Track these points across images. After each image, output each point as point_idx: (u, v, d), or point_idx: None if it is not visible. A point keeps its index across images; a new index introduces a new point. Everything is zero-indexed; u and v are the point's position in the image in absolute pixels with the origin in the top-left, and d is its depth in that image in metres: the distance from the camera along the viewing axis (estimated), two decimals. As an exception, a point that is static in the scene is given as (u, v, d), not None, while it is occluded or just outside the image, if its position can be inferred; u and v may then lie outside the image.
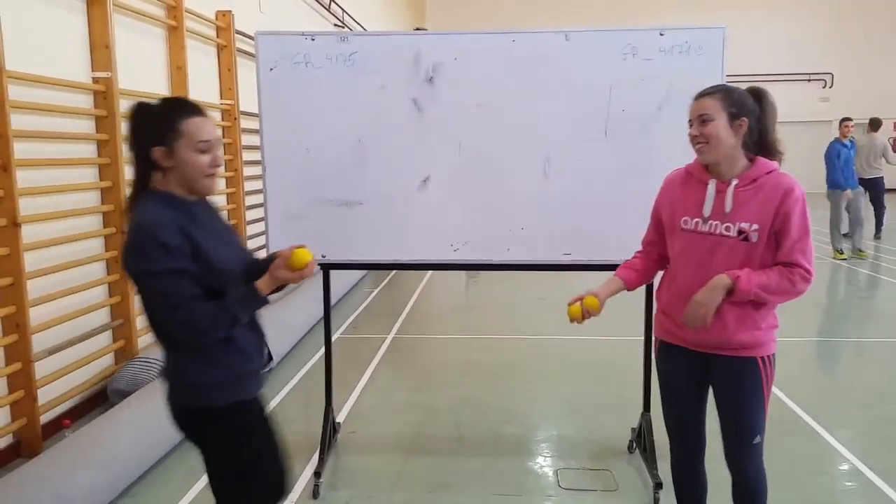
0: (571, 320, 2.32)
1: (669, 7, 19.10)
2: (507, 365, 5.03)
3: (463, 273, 8.37)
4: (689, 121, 2.17)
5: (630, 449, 3.54)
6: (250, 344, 1.97)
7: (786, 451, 3.47)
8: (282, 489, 2.10)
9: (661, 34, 3.07)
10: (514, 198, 3.21)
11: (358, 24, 11.51)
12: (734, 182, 2.11)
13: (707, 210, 2.14)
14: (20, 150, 3.47)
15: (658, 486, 3.01)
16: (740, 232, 2.09)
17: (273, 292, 1.93)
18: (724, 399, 2.25)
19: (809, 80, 20.12)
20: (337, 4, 10.08)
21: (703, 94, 2.15)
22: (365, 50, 3.14)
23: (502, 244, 3.24)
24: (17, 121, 3.47)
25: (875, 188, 10.20)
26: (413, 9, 19.06)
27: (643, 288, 3.35)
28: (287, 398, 4.41)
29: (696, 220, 2.17)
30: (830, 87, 20.23)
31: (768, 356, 2.17)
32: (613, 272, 2.46)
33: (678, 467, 2.44)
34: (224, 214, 2.09)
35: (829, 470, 3.37)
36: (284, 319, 5.31)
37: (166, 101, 1.88)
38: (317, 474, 3.20)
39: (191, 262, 1.76)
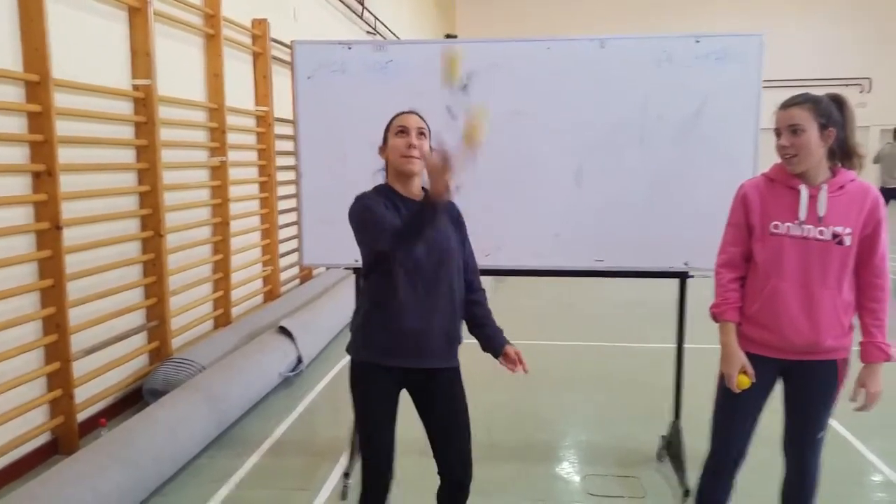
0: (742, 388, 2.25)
1: (705, 12, 18.91)
2: (537, 371, 4.98)
3: (490, 278, 8.37)
4: (776, 129, 2.18)
5: (659, 457, 3.51)
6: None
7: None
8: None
9: (697, 41, 3.06)
10: (548, 204, 3.21)
11: (390, 30, 11.60)
12: (824, 187, 2.14)
13: (802, 214, 2.15)
14: (63, 155, 3.57)
15: (686, 493, 2.98)
16: (834, 235, 2.13)
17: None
18: (798, 399, 2.29)
19: (847, 85, 19.74)
20: (369, 12, 10.18)
21: (791, 104, 2.16)
22: (400, 58, 3.17)
23: (535, 250, 3.24)
24: (61, 127, 3.57)
25: None
26: (444, 16, 19.15)
27: (672, 293, 3.34)
28: (317, 400, 4.46)
29: (788, 224, 2.17)
30: (868, 92, 19.84)
31: (845, 357, 2.23)
32: (720, 317, 2.31)
33: (714, 477, 2.40)
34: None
35: (862, 481, 3.31)
36: (314, 322, 5.37)
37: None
38: (346, 475, 3.23)
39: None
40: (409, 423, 2.42)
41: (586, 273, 3.32)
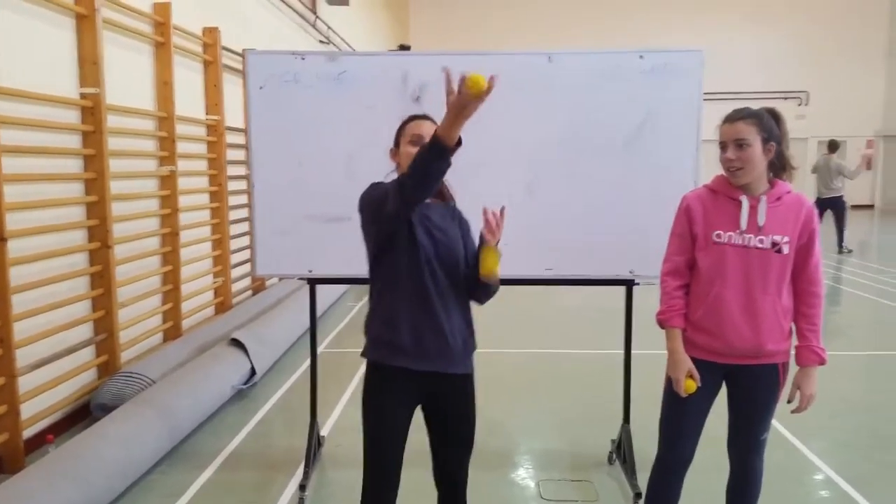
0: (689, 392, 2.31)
1: (651, 27, 19.42)
2: (489, 378, 5.06)
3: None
4: (722, 143, 2.27)
5: (610, 460, 3.60)
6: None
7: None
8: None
9: (641, 56, 3.17)
10: (499, 214, 3.26)
11: (343, 40, 11.60)
12: (764, 198, 2.25)
13: (743, 223, 2.25)
14: (7, 165, 3.48)
15: (637, 496, 3.06)
16: (773, 244, 2.23)
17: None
18: (741, 401, 2.39)
19: (786, 99, 20.51)
20: (322, 21, 10.17)
21: (737, 118, 2.25)
22: (354, 69, 3.20)
23: (486, 260, 3.29)
24: (5, 136, 3.49)
25: (835, 207, 10.56)
26: (397, 27, 19.22)
27: (621, 301, 3.44)
28: (271, 412, 4.42)
29: (730, 233, 2.27)
30: (806, 105, 20.64)
31: (785, 362, 2.34)
32: (663, 323, 2.40)
33: (663, 479, 2.49)
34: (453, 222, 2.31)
35: (805, 480, 3.45)
36: (267, 334, 5.33)
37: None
38: (301, 488, 3.22)
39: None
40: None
41: (537, 281, 3.40)
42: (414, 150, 2.08)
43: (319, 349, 5.66)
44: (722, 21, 19.96)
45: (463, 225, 2.36)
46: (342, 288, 7.68)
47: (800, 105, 20.66)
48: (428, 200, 2.15)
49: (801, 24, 20.26)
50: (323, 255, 3.29)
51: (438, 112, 3.18)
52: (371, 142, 3.24)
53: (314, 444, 3.47)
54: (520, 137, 3.23)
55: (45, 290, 3.83)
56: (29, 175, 3.74)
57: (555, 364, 5.44)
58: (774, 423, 4.08)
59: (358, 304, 7.55)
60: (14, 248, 3.54)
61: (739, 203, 2.27)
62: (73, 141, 4.16)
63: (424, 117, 2.24)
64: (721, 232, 2.28)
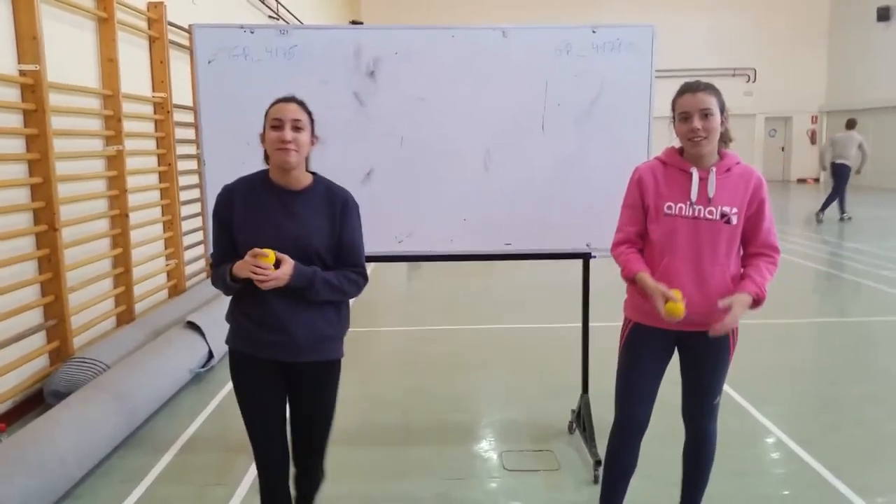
0: (676, 315, 2.24)
1: (604, 4, 19.50)
2: (451, 355, 5.11)
3: (405, 265, 8.43)
4: (684, 113, 2.27)
5: (570, 430, 3.67)
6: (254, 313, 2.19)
7: (718, 428, 3.67)
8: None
9: (594, 31, 3.19)
10: (457, 190, 3.28)
11: (293, 15, 11.37)
12: (714, 170, 2.29)
13: (694, 195, 2.29)
14: (-56, 145, 3.34)
15: (598, 463, 3.14)
16: (723, 215, 2.28)
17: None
18: (695, 367, 2.45)
19: (734, 75, 20.91)
20: (271, -4, 9.95)
21: (697, 89, 2.27)
22: (305, 43, 3.15)
23: (445, 235, 3.31)
24: (-60, 115, 3.34)
25: (841, 172, 11.64)
26: (348, 2, 18.91)
27: (579, 276, 3.49)
28: (230, 395, 4.36)
29: (681, 204, 2.31)
30: (753, 82, 21.08)
31: (735, 328, 2.37)
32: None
33: (621, 442, 2.53)
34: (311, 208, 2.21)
35: (757, 442, 3.59)
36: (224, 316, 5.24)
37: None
38: (264, 468, 3.20)
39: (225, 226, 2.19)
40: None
41: (495, 256, 3.42)
42: (275, 134, 2.10)
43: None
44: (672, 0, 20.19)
45: (343, 214, 2.22)
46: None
47: (748, 82, 21.09)
48: (294, 189, 2.19)
49: (750, 3, 20.61)
50: (280, 234, 3.25)
51: (395, 85, 3.17)
52: (325, 118, 3.20)
53: (275, 424, 3.45)
54: (475, 113, 3.23)
55: (-11, 276, 3.70)
56: (-33, 156, 3.59)
57: (515, 339, 5.51)
58: (729, 390, 4.25)
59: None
60: (-46, 232, 3.41)
61: (690, 175, 2.31)
62: (15, 120, 4.00)
63: (288, 100, 2.17)
64: (672, 203, 2.33)
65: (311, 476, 2.44)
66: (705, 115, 2.25)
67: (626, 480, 2.57)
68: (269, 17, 10.07)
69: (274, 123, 2.12)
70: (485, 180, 3.27)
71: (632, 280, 2.39)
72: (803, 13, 20.71)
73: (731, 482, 3.12)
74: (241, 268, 2.07)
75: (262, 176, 2.22)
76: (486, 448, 3.56)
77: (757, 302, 2.27)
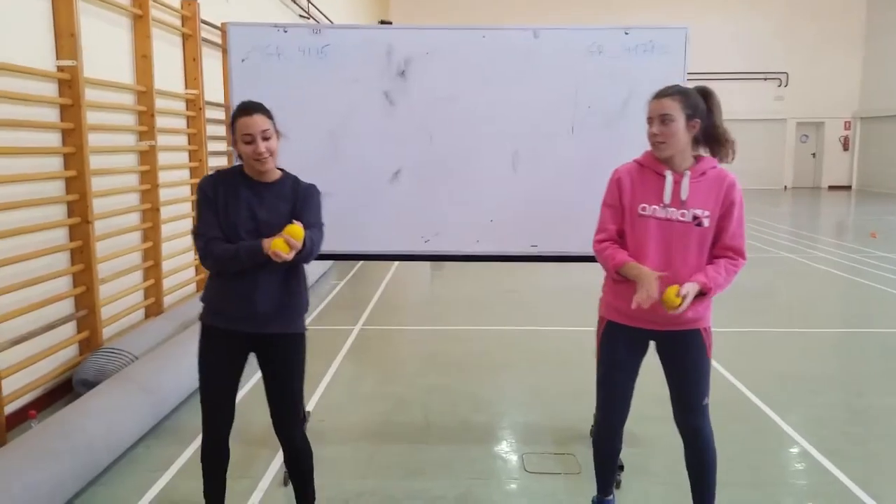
0: (675, 307, 2.24)
1: (632, 6, 19.38)
2: (473, 355, 5.12)
3: (428, 265, 8.45)
4: (649, 118, 2.34)
5: (592, 434, 3.65)
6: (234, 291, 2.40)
7: (740, 436, 3.63)
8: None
9: (626, 33, 3.18)
10: (484, 190, 3.29)
11: (323, 14, 11.45)
12: (688, 173, 2.32)
13: (667, 197, 2.32)
14: (-17, 137, 3.43)
15: (620, 468, 3.12)
16: (694, 217, 2.32)
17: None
18: (675, 369, 2.48)
19: (766, 79, 20.65)
20: (302, -5, 10.03)
21: (662, 95, 2.33)
22: (337, 43, 3.18)
23: (472, 236, 3.32)
24: (-19, 108, 3.42)
25: None
26: (377, 1, 18.99)
27: (601, 281, 3.47)
28: (256, 387, 4.42)
29: (654, 206, 2.35)
30: (785, 87, 20.79)
31: (707, 327, 2.42)
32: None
33: (606, 435, 2.66)
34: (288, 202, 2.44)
35: (780, 452, 3.53)
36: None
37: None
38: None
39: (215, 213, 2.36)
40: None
41: (522, 258, 3.42)
42: (248, 149, 2.30)
43: (302, 326, 5.68)
44: (704, 2, 19.98)
45: (304, 202, 2.44)
46: (326, 264, 7.66)
47: (780, 86, 20.80)
48: (266, 181, 2.41)
49: (782, 6, 20.34)
50: (307, 231, 3.28)
51: (425, 85, 3.18)
52: (355, 116, 3.23)
53: (299, 418, 3.48)
54: (505, 113, 3.23)
55: (23, 266, 3.78)
56: (5, 149, 3.67)
57: (538, 341, 5.50)
58: (751, 397, 4.20)
59: (341, 283, 7.54)
60: (-8, 222, 3.49)
61: (664, 178, 2.34)
62: (52, 115, 4.09)
63: (249, 112, 2.31)
64: (646, 205, 2.36)
65: (295, 449, 2.63)
66: (663, 120, 2.29)
67: (616, 458, 2.74)
68: (300, 16, 10.15)
69: (245, 139, 2.30)
70: (513, 181, 3.27)
71: (618, 272, 2.41)
72: (837, 17, 20.35)
73: (753, 492, 3.09)
74: (279, 245, 2.20)
75: (238, 170, 2.43)
76: (507, 449, 3.56)
77: (704, 293, 2.30)
